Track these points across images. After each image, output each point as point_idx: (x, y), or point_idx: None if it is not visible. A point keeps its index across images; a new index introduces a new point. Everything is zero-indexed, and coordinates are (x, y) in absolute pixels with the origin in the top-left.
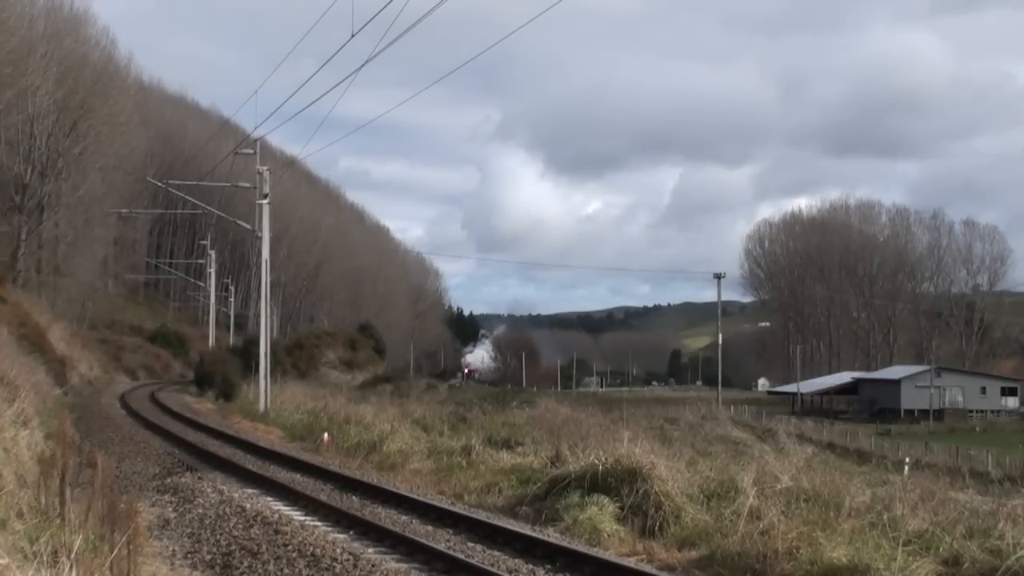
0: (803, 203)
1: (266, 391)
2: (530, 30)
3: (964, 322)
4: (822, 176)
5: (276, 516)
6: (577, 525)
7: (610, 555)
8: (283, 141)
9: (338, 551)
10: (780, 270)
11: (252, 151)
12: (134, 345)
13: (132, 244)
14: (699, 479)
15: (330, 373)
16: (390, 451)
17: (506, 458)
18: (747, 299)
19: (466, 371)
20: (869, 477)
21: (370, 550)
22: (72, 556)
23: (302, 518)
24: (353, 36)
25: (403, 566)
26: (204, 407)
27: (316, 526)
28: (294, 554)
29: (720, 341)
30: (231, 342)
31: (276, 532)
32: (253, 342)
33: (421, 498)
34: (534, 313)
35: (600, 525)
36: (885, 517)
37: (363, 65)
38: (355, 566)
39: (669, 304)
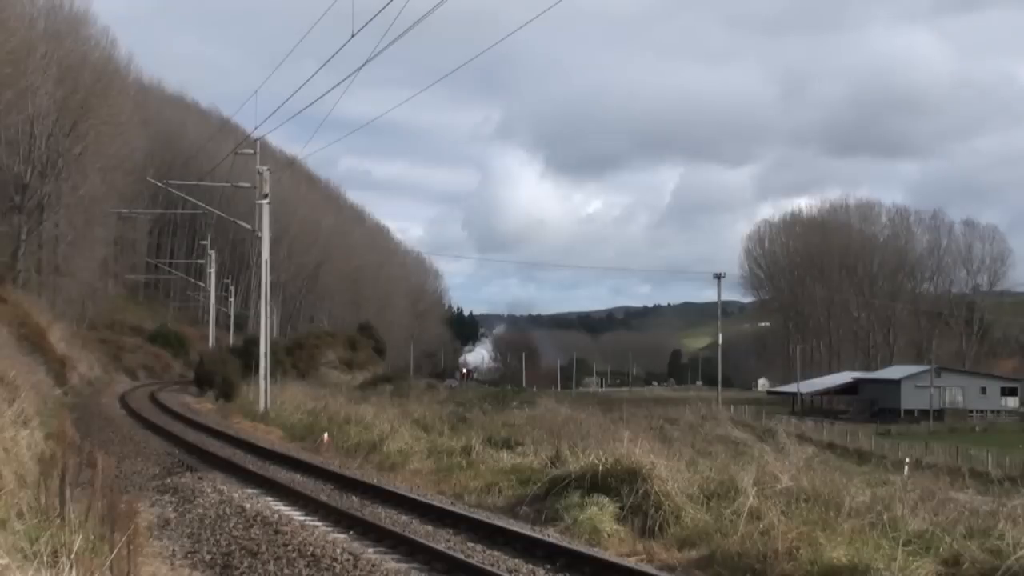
0: (803, 203)
1: (266, 391)
2: (531, 30)
3: (964, 322)
4: (823, 176)
5: (276, 516)
6: (577, 525)
7: (610, 555)
8: (283, 141)
9: (338, 551)
10: (780, 270)
11: (252, 151)
12: (134, 345)
13: (132, 244)
14: (699, 479)
15: (330, 373)
16: (390, 451)
17: (506, 458)
18: (747, 299)
19: (464, 371)
20: (869, 477)
21: (370, 550)
22: (72, 556)
23: (302, 518)
24: (353, 36)
25: (403, 566)
26: (204, 407)
27: (316, 526)
28: (294, 554)
29: (720, 341)
30: (231, 342)
31: (276, 532)
32: (253, 342)
33: (421, 498)
34: (534, 313)
35: (600, 525)
36: (885, 517)
37: (363, 65)
38: (355, 566)
39: (669, 304)
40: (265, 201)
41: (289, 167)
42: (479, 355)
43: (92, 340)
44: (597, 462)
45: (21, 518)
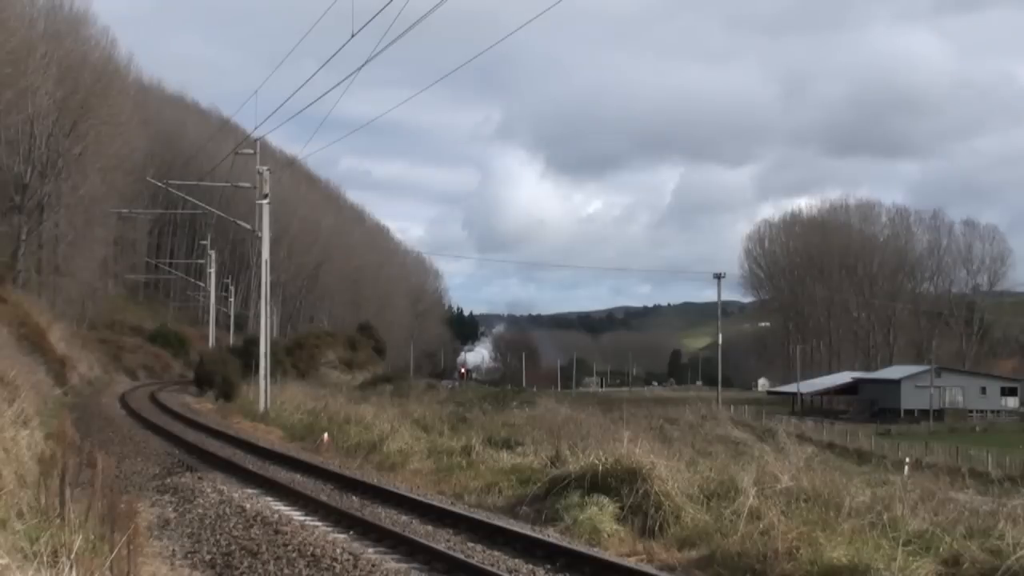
0: (803, 203)
1: (266, 391)
2: (531, 30)
3: (964, 322)
4: (823, 176)
5: (276, 516)
6: (577, 525)
7: (610, 555)
8: (283, 141)
9: (338, 551)
10: (780, 270)
11: (252, 151)
12: (134, 345)
13: (132, 244)
14: (699, 479)
15: (330, 373)
16: (390, 451)
17: (506, 458)
18: (747, 299)
19: (462, 371)
20: (869, 477)
21: (370, 550)
22: (72, 556)
23: (302, 518)
24: (353, 36)
25: (403, 566)
26: (204, 407)
27: (316, 526)
28: (294, 554)
29: (720, 341)
30: (231, 342)
31: (276, 532)
32: (253, 342)
33: (421, 498)
34: (534, 313)
35: (600, 525)
36: (885, 517)
37: (363, 65)
38: (355, 566)
39: (669, 304)
40: (265, 201)
41: (289, 167)
42: (479, 355)
43: (92, 340)
44: (597, 462)
45: (21, 518)
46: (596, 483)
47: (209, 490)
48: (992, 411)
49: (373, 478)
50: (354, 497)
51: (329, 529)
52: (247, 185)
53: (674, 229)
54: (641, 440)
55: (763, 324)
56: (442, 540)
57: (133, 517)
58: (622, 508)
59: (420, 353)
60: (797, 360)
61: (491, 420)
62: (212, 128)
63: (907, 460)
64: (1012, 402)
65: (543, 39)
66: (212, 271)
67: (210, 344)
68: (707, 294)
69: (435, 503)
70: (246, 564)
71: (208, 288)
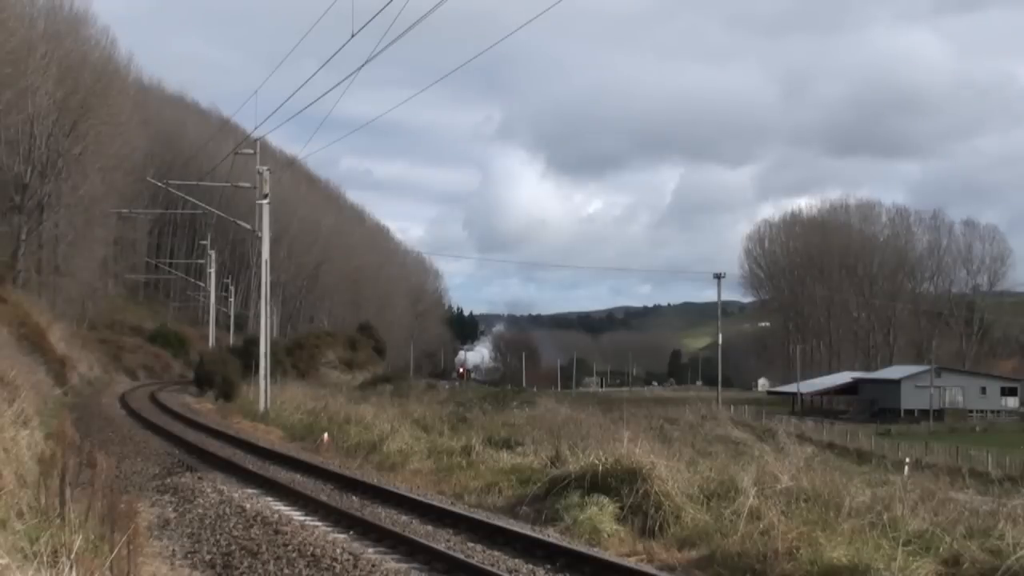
0: (803, 203)
1: (266, 391)
2: (531, 30)
3: (964, 322)
4: (823, 176)
5: (276, 516)
6: (577, 525)
7: (610, 555)
8: (283, 141)
9: (338, 551)
10: (780, 270)
11: (252, 151)
12: (134, 345)
13: (132, 244)
14: (699, 479)
15: (330, 373)
16: (390, 451)
17: (506, 458)
18: (747, 299)
19: (461, 370)
20: (869, 477)
21: (370, 550)
22: (72, 556)
23: (302, 518)
24: (353, 36)
25: (403, 566)
26: (204, 407)
27: (316, 526)
28: (294, 554)
29: (720, 341)
30: (231, 342)
31: (276, 532)
32: (253, 342)
33: (421, 498)
34: (534, 313)
35: (600, 525)
36: (885, 517)
37: (363, 65)
38: (355, 566)
39: (669, 304)
40: (265, 201)
41: (289, 167)
42: (479, 354)
43: (92, 340)
44: (597, 462)
45: (21, 518)
46: (596, 483)
47: (209, 490)
48: (992, 411)
49: (373, 478)
50: (354, 497)
51: (329, 529)
52: (247, 185)
53: (674, 229)
54: (641, 440)
55: (763, 324)
56: (442, 540)
57: (133, 517)
58: (622, 508)
59: (420, 353)
60: (797, 360)
61: (491, 420)
62: (212, 128)
63: (907, 460)
64: (1012, 402)
65: (544, 39)
66: (212, 271)
67: (210, 344)
68: (707, 294)
69: (435, 503)
70: (246, 564)
71: (208, 288)
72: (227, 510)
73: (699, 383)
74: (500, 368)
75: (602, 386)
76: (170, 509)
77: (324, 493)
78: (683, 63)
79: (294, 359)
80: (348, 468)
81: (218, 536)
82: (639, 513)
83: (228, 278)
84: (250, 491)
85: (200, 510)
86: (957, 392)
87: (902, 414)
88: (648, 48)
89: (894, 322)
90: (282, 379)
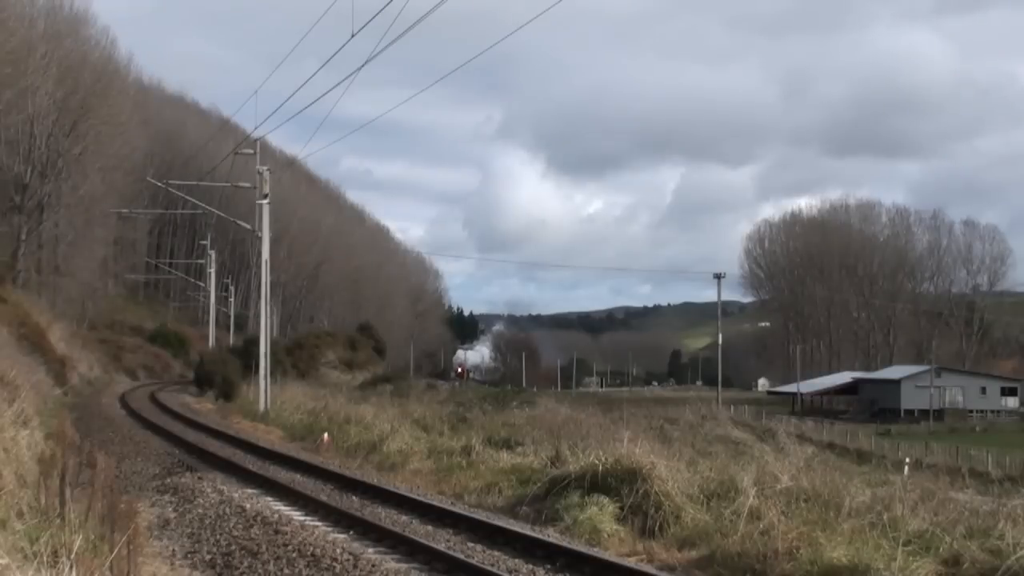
0: (803, 203)
1: (266, 391)
2: (532, 30)
3: (964, 322)
4: (824, 176)
5: (276, 516)
6: (577, 525)
7: (610, 555)
8: (283, 141)
9: (338, 551)
10: (780, 270)
11: (252, 151)
12: (134, 345)
13: (132, 244)
14: (699, 479)
15: (330, 373)
16: (390, 451)
17: (506, 458)
18: (747, 299)
19: (459, 370)
20: (869, 477)
21: (370, 550)
22: (72, 556)
23: (302, 518)
24: (353, 36)
25: (403, 566)
26: (204, 407)
27: (316, 526)
28: (294, 554)
29: (720, 341)
30: (231, 342)
31: (276, 532)
32: (253, 342)
33: (421, 498)
34: (534, 313)
35: (600, 525)
36: (885, 517)
37: (363, 65)
38: (355, 566)
39: (669, 304)
40: (265, 201)
41: (289, 167)
42: (479, 353)
43: (92, 340)
44: (597, 462)
45: (21, 518)
46: (596, 483)
47: (209, 490)
48: (992, 411)
49: (373, 478)
50: (354, 497)
51: (329, 529)
52: (247, 185)
53: (674, 229)
54: (641, 440)
55: (763, 324)
56: (442, 540)
57: (133, 517)
58: (622, 508)
59: (420, 353)
60: (797, 360)
61: (491, 420)
62: (212, 128)
63: (907, 460)
64: (1012, 402)
65: (544, 39)
66: (212, 271)
67: (210, 344)
68: (707, 294)
69: (435, 503)
70: (246, 564)
71: (208, 288)
72: (227, 510)
73: (699, 383)
74: (500, 368)
75: (602, 386)
76: (170, 509)
77: (324, 493)
78: (683, 63)
79: (294, 359)
80: (348, 468)
81: (218, 536)
82: (639, 513)
83: (228, 278)
84: (250, 491)
85: (200, 510)
86: (957, 392)
87: (902, 414)
88: (649, 48)
89: (894, 322)
90: (282, 379)
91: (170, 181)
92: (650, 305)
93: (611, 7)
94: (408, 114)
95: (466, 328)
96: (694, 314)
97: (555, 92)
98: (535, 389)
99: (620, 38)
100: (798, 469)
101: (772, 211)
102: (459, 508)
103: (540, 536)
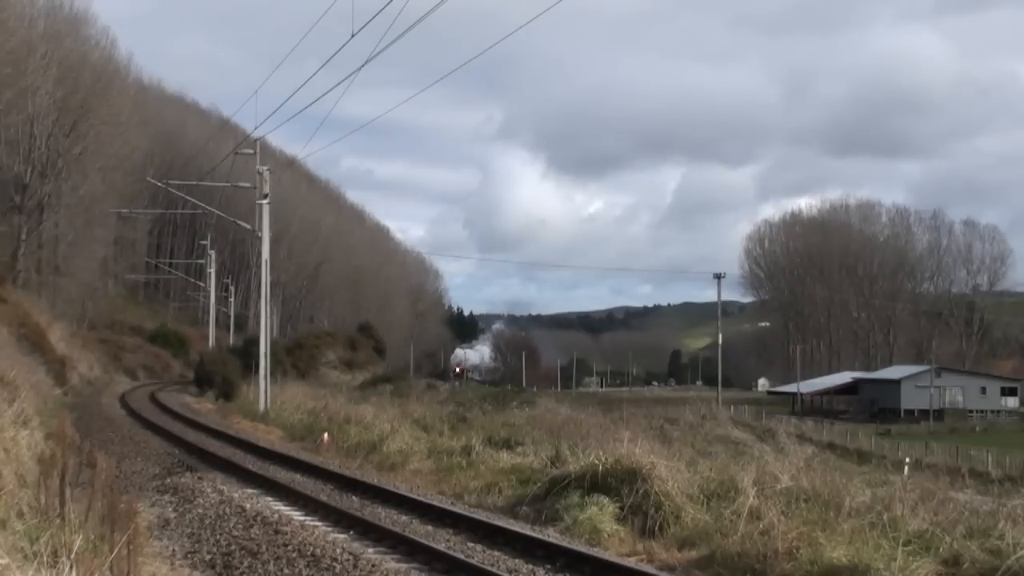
0: (804, 203)
1: (266, 391)
2: (532, 30)
3: (964, 322)
4: (824, 176)
5: (276, 516)
6: (577, 525)
7: (610, 555)
8: (283, 141)
9: (338, 551)
10: (780, 270)
11: (252, 151)
12: (134, 345)
13: (132, 244)
14: (699, 479)
15: (330, 373)
16: (390, 451)
17: (506, 458)
18: (747, 299)
19: (457, 370)
20: (869, 477)
21: (370, 550)
22: (72, 556)
23: (302, 518)
24: (353, 36)
25: (403, 566)
26: (204, 407)
27: (316, 526)
28: (294, 554)
29: (720, 341)
30: (231, 342)
31: (276, 532)
32: (253, 342)
33: (421, 498)
34: (534, 313)
35: (600, 525)
36: (885, 517)
37: (363, 65)
38: (355, 566)
39: (669, 304)
40: (265, 201)
41: (289, 167)
42: (479, 353)
43: (92, 340)
44: (597, 462)
45: (21, 518)
46: (596, 483)
47: (209, 490)
48: (992, 411)
49: (373, 478)
50: (354, 497)
51: (329, 529)
52: (247, 185)
53: (675, 229)
54: (641, 440)
55: (763, 324)
56: (442, 540)
57: (133, 517)
58: (622, 508)
59: (420, 353)
60: (797, 360)
61: (491, 420)
62: (212, 128)
63: (907, 460)
64: (1012, 402)
65: (545, 39)
66: (212, 271)
67: (210, 344)
68: (707, 294)
69: (435, 503)
70: (246, 564)
71: (208, 288)
72: (227, 510)
73: (699, 383)
74: (500, 368)
75: (602, 386)
76: (170, 509)
77: (324, 493)
78: (684, 63)
79: (294, 359)
80: (348, 468)
81: (218, 536)
82: (639, 513)
83: (228, 278)
84: (250, 491)
85: (200, 510)
86: (957, 392)
87: (902, 414)
88: (649, 48)
89: (894, 322)
90: (282, 379)
91: (170, 181)
92: (650, 305)
93: (611, 7)
94: (408, 114)
95: (466, 328)
96: (694, 314)
97: (556, 92)
98: (535, 389)
99: (621, 38)
100: (798, 469)
101: (772, 211)
102: (459, 508)
103: (540, 536)
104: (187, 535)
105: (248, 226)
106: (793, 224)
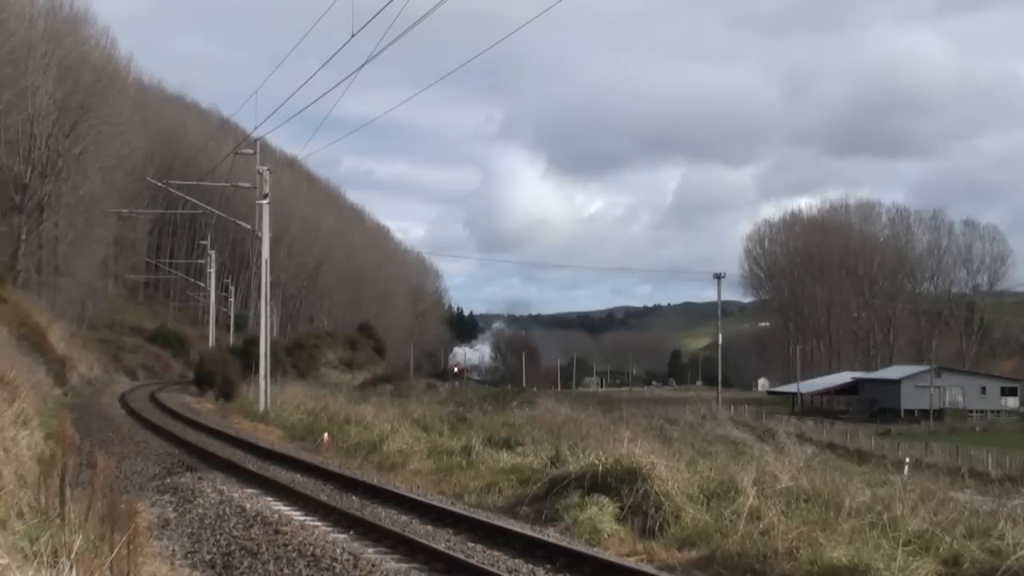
0: (804, 203)
1: (266, 391)
2: (533, 30)
3: (964, 322)
4: (825, 176)
5: (276, 516)
6: (577, 525)
7: (610, 555)
8: (283, 141)
9: (338, 551)
10: (780, 270)
11: (252, 151)
12: (134, 345)
13: (132, 244)
14: (699, 479)
15: (330, 373)
16: (390, 451)
17: (506, 458)
18: (747, 299)
19: (456, 369)
20: (869, 477)
21: (370, 550)
22: (72, 556)
23: (302, 518)
24: (353, 36)
25: (403, 566)
26: (204, 407)
27: (316, 526)
28: (294, 554)
29: (720, 341)
30: (231, 342)
31: (276, 532)
32: (253, 342)
33: (421, 498)
34: (534, 313)
35: (600, 525)
36: (885, 517)
37: (363, 64)
38: (355, 566)
39: (669, 304)
40: (265, 201)
41: (289, 167)
42: (479, 352)
43: (92, 340)
44: (597, 462)
45: (21, 518)
46: (596, 483)
47: (209, 490)
48: (992, 411)
49: (373, 478)
50: (354, 497)
51: (329, 529)
52: (247, 185)
53: (675, 229)
54: (641, 440)
55: (763, 324)
56: (442, 540)
57: (133, 517)
58: (622, 508)
59: (420, 353)
60: (797, 360)
61: (491, 420)
62: (212, 128)
63: (907, 460)
64: (1012, 402)
65: (545, 39)
66: (212, 271)
67: (210, 344)
68: (707, 294)
69: (435, 503)
70: (246, 564)
71: (208, 288)
72: (227, 510)
73: (699, 383)
74: (500, 368)
75: (602, 386)
76: (170, 509)
77: (324, 493)
78: (685, 63)
79: (294, 359)
80: (348, 468)
81: (218, 536)
82: (639, 513)
83: (228, 278)
84: (250, 491)
85: (200, 510)
86: (957, 392)
87: (902, 414)
88: (650, 48)
89: (894, 322)
90: (282, 379)
91: (170, 181)
92: (650, 305)
93: (612, 7)
94: (409, 114)
95: (466, 328)
96: (694, 314)
97: (556, 92)
98: (535, 389)
99: (622, 38)
100: (798, 469)
101: (772, 211)
102: (459, 508)
103: (540, 536)
104: (187, 535)
105: (248, 226)
106: (793, 224)
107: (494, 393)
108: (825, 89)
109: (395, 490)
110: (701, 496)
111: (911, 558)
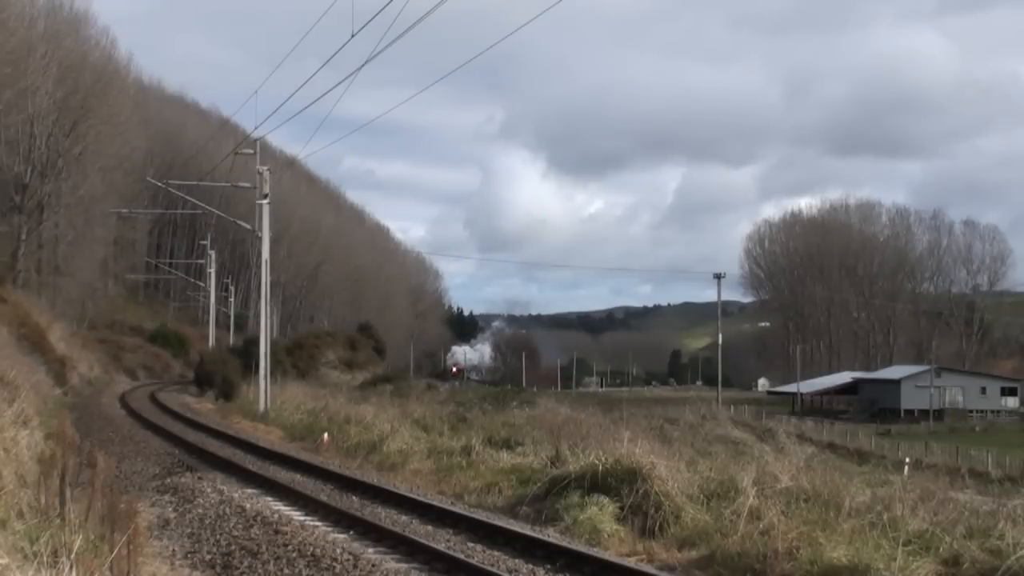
0: (804, 203)
1: (266, 391)
2: (534, 29)
3: (964, 322)
4: (825, 176)
5: (276, 516)
6: (577, 525)
7: (610, 555)
8: (283, 141)
9: (338, 551)
10: (780, 270)
11: (252, 151)
12: (134, 345)
13: (132, 244)
14: (699, 479)
15: (330, 373)
16: (390, 451)
17: (506, 458)
18: (747, 299)
19: (455, 369)
20: (869, 477)
21: (370, 550)
22: (72, 556)
23: (302, 518)
24: (353, 36)
25: (403, 566)
26: (204, 407)
27: (316, 526)
28: (294, 554)
29: (720, 341)
30: (231, 342)
31: (276, 532)
32: (253, 342)
33: (421, 498)
34: (534, 313)
35: (600, 525)
36: (885, 517)
37: (363, 64)
38: (355, 566)
39: (669, 304)
40: (265, 201)
41: (289, 167)
42: (479, 352)
43: (92, 340)
44: (597, 462)
45: (21, 518)
46: (596, 483)
47: (209, 490)
48: (992, 411)
49: (373, 478)
50: (354, 497)
51: (329, 529)
52: (247, 185)
53: (675, 229)
54: (641, 440)
55: (763, 324)
56: (442, 540)
57: (133, 517)
58: (622, 508)
59: (420, 353)
60: (797, 360)
61: (491, 420)
62: (212, 128)
63: (907, 460)
64: (1012, 402)
65: (546, 39)
66: (212, 271)
67: (210, 344)
68: (707, 294)
69: (435, 503)
70: (246, 564)
71: (208, 288)
72: (227, 510)
73: (699, 383)
74: (500, 368)
75: (602, 386)
76: (170, 509)
77: (324, 493)
78: (685, 63)
79: (294, 359)
80: (348, 468)
81: (218, 536)
82: (639, 513)
83: (228, 278)
84: (250, 491)
85: (200, 510)
86: (957, 392)
87: (902, 414)
88: (650, 48)
89: (894, 322)
90: (282, 379)
91: (170, 181)
92: (650, 305)
93: (612, 7)
94: (409, 114)
95: (466, 328)
96: (694, 314)
97: (556, 92)
98: (535, 389)
99: (622, 38)
100: (798, 469)
101: (773, 211)
102: (459, 508)
103: (540, 536)
104: (187, 535)
105: (248, 226)
106: (793, 224)
107: (494, 393)
108: (826, 89)
109: (395, 490)
110: (701, 496)
111: (911, 558)
